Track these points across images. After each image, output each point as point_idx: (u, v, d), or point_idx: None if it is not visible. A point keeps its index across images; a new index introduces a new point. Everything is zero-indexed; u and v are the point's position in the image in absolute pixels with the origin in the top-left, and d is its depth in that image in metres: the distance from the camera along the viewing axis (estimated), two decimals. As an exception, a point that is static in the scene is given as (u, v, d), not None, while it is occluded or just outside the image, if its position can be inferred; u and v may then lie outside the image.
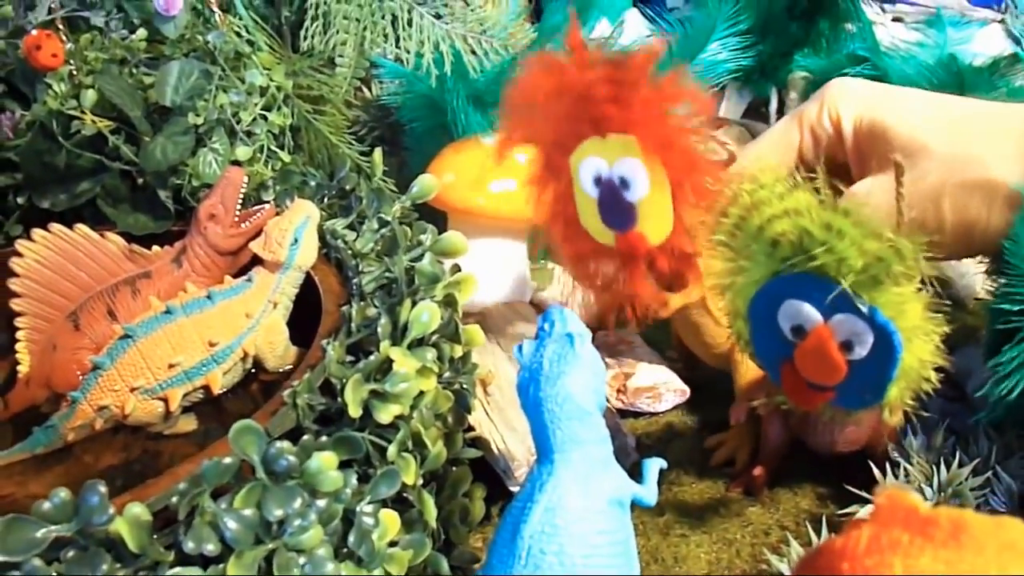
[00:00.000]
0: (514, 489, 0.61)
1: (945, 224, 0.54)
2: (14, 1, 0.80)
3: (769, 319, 0.49)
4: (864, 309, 0.45)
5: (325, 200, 0.72)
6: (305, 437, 0.45)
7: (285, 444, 0.43)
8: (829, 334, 0.46)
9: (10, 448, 0.64)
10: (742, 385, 0.67)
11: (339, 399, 0.50)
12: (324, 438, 0.47)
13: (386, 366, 0.50)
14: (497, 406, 0.64)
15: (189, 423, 0.65)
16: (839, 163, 0.61)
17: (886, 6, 1.00)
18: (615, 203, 0.53)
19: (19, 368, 0.70)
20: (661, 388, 0.73)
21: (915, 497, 0.32)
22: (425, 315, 0.51)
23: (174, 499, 0.42)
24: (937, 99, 0.59)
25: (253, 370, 0.67)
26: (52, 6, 0.77)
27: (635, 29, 1.06)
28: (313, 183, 0.74)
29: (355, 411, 0.47)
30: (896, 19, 1.02)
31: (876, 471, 0.60)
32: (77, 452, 0.65)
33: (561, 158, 0.54)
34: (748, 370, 0.66)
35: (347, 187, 0.71)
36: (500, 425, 0.63)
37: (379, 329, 0.51)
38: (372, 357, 0.49)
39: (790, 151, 0.61)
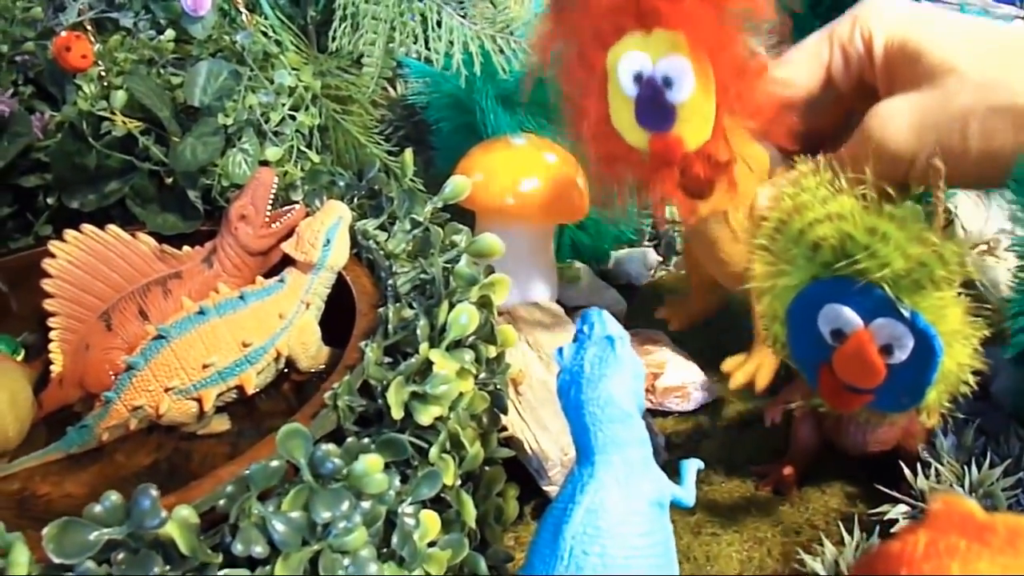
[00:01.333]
0: (547, 488, 0.61)
1: (969, 150, 0.52)
2: (44, 3, 0.81)
3: (808, 323, 0.49)
4: (906, 313, 0.45)
5: (355, 200, 0.72)
6: (349, 439, 0.45)
7: (331, 447, 0.43)
8: (869, 338, 0.46)
9: (45, 448, 0.65)
10: (760, 307, 0.65)
11: (378, 400, 0.51)
12: (366, 440, 0.47)
13: (425, 368, 0.50)
14: (529, 405, 0.64)
15: (222, 423, 0.66)
16: (868, 85, 0.59)
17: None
18: (655, 103, 0.51)
19: (52, 368, 0.71)
20: (689, 387, 0.73)
21: (971, 503, 0.32)
22: (464, 317, 0.52)
23: (221, 502, 0.42)
24: (973, 22, 0.57)
25: (285, 370, 0.68)
26: (81, 8, 0.77)
27: None
28: (342, 183, 0.75)
29: (398, 413, 0.47)
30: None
31: (907, 471, 0.60)
32: (111, 452, 0.66)
33: (597, 52, 0.52)
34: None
35: (376, 187, 0.72)
36: (532, 424, 0.63)
37: (418, 331, 0.51)
38: (413, 360, 0.49)
39: (819, 68, 0.60)
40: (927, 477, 0.60)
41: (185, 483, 0.59)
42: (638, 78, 0.51)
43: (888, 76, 0.57)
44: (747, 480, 0.67)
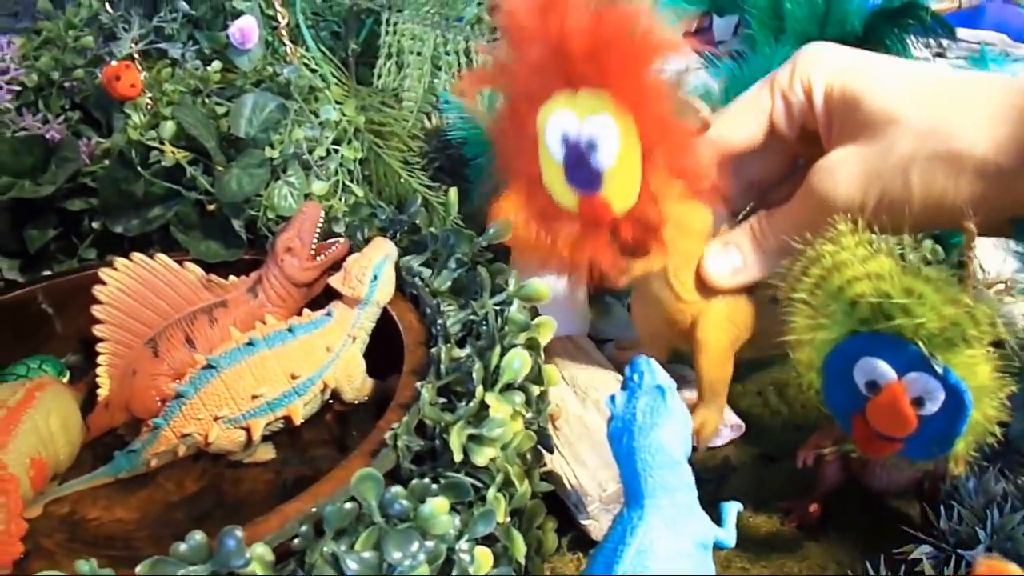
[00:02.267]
0: (584, 522, 0.63)
1: (913, 198, 0.53)
2: (95, 32, 0.83)
3: (844, 373, 0.52)
4: (938, 369, 0.47)
5: (397, 235, 0.74)
6: (414, 481, 0.47)
7: (399, 489, 0.46)
8: (902, 390, 0.49)
9: (93, 472, 0.67)
10: (702, 363, 0.66)
11: (432, 440, 0.53)
12: (426, 479, 0.49)
13: (480, 410, 0.52)
14: (566, 440, 0.66)
15: (267, 452, 0.67)
16: (811, 131, 0.60)
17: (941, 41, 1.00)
18: (582, 165, 0.52)
19: (98, 392, 0.73)
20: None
21: (1013, 568, 0.34)
22: (517, 362, 0.54)
23: (296, 540, 0.44)
24: (911, 68, 0.57)
25: (330, 400, 0.69)
26: (133, 39, 0.79)
27: (684, 59, 1.08)
28: (383, 216, 0.76)
29: (459, 455, 0.49)
30: (938, 54, 1.03)
31: (930, 512, 0.62)
32: (158, 477, 0.67)
33: (528, 110, 0.52)
34: (712, 351, 0.65)
35: (417, 222, 0.74)
36: (571, 460, 0.65)
37: (473, 374, 0.53)
38: (470, 403, 0.52)
39: (761, 117, 0.60)
40: (950, 519, 0.62)
41: (233, 511, 0.62)
42: (565, 140, 0.51)
43: (829, 124, 0.58)
44: (774, 516, 0.69)
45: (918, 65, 0.59)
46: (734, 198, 0.66)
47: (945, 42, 0.99)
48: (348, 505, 0.44)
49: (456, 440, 0.49)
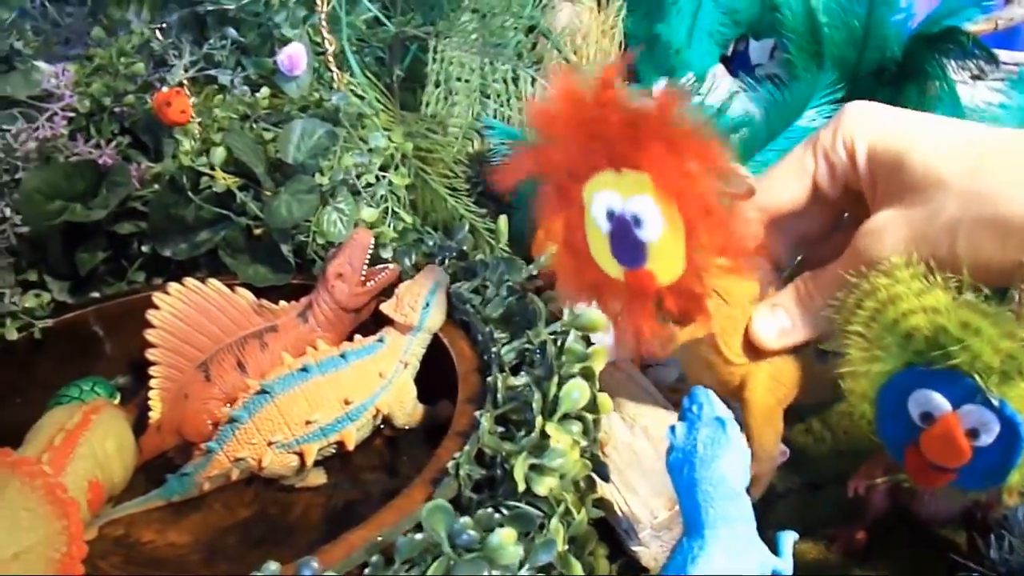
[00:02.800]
0: (635, 549, 0.64)
1: (959, 261, 0.51)
2: (145, 59, 0.84)
3: (898, 404, 0.52)
4: (994, 402, 0.47)
5: (445, 261, 0.75)
6: (479, 511, 0.48)
7: (467, 520, 0.46)
8: (957, 422, 0.49)
9: (146, 495, 0.67)
10: (751, 424, 0.66)
11: (490, 469, 0.54)
12: (490, 509, 0.50)
13: (541, 439, 0.53)
14: (616, 468, 0.67)
15: (319, 476, 0.68)
16: (855, 190, 0.60)
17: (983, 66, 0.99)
18: (627, 239, 0.52)
19: (150, 415, 0.73)
20: (764, 451, 0.76)
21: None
22: (576, 393, 0.54)
23: (367, 570, 0.45)
24: (958, 128, 0.56)
25: (381, 426, 0.70)
26: (185, 66, 0.80)
27: (723, 84, 1.08)
28: (430, 242, 0.77)
29: (522, 485, 0.50)
30: (976, 77, 1.02)
31: (979, 541, 0.62)
32: (210, 501, 0.68)
33: (574, 186, 0.53)
34: (761, 411, 0.65)
35: (465, 248, 0.74)
36: (622, 487, 0.65)
37: (533, 404, 0.53)
38: (531, 434, 0.52)
39: (805, 178, 0.60)
40: (1000, 548, 0.62)
41: (286, 536, 0.62)
42: (610, 215, 0.52)
43: (873, 185, 0.58)
44: (819, 543, 0.69)
45: (963, 124, 0.57)
46: (780, 255, 0.67)
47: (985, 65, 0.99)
48: (419, 536, 0.45)
49: (520, 471, 0.49)
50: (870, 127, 0.58)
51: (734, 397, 0.66)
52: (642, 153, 0.49)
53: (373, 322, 0.74)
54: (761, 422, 0.65)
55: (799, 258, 0.69)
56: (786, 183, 0.62)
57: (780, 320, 0.62)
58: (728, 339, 0.63)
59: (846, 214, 0.66)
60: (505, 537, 0.46)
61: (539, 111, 0.52)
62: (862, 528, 0.68)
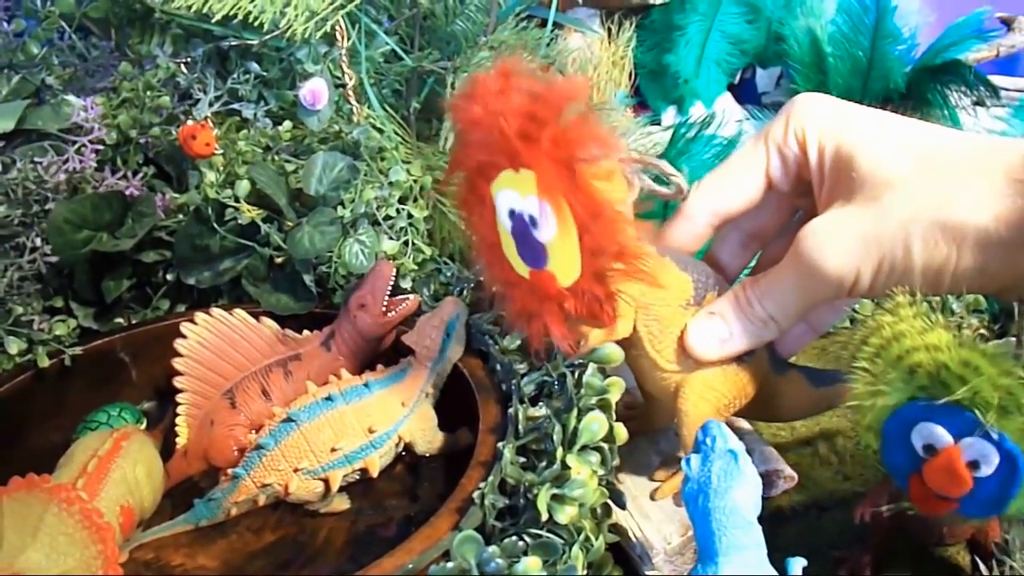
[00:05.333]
0: (649, 574, 0.66)
1: (914, 267, 0.52)
2: (171, 92, 0.86)
3: (902, 436, 0.54)
4: (993, 435, 0.50)
5: (463, 292, 0.77)
6: (506, 540, 0.50)
7: (495, 548, 0.48)
8: (958, 454, 0.52)
9: (173, 519, 0.69)
10: (685, 434, 0.64)
11: (512, 498, 0.56)
12: (513, 536, 0.52)
13: (562, 470, 0.55)
14: (630, 494, 0.69)
15: (343, 502, 0.70)
16: (807, 182, 0.59)
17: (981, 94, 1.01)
18: (527, 239, 0.53)
19: (177, 440, 0.76)
20: (772, 475, 0.77)
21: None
22: (595, 425, 0.57)
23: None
24: (910, 125, 0.55)
25: (403, 452, 0.72)
26: (211, 101, 0.83)
27: (731, 113, 1.11)
28: (448, 272, 0.80)
29: (544, 515, 0.52)
30: (977, 103, 1.04)
31: (981, 565, 0.65)
32: (236, 526, 0.70)
33: (483, 183, 0.54)
34: (693, 422, 0.63)
35: (482, 279, 0.77)
36: (635, 513, 0.67)
37: (554, 436, 0.56)
38: (553, 465, 0.54)
39: (758, 172, 0.59)
40: (1002, 574, 0.64)
41: (311, 560, 0.65)
42: (511, 213, 0.53)
43: (823, 178, 0.57)
44: (826, 564, 0.71)
45: (915, 123, 0.55)
46: (732, 253, 0.67)
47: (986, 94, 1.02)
48: (450, 564, 0.47)
49: (543, 501, 0.52)
50: (821, 119, 0.56)
51: (668, 403, 0.65)
52: (530, 150, 0.49)
53: (392, 351, 0.76)
54: (693, 433, 0.62)
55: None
56: (738, 180, 0.61)
57: (718, 329, 0.61)
58: (657, 344, 0.62)
59: (799, 213, 0.65)
60: (531, 565, 0.48)
61: (456, 106, 0.52)
62: (867, 551, 0.70)
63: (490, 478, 0.55)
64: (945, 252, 0.51)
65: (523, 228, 0.53)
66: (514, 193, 0.52)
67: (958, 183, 0.51)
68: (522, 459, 0.58)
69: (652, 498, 0.67)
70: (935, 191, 0.51)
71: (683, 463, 0.54)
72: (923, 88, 1.00)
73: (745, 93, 1.27)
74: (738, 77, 1.29)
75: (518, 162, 0.50)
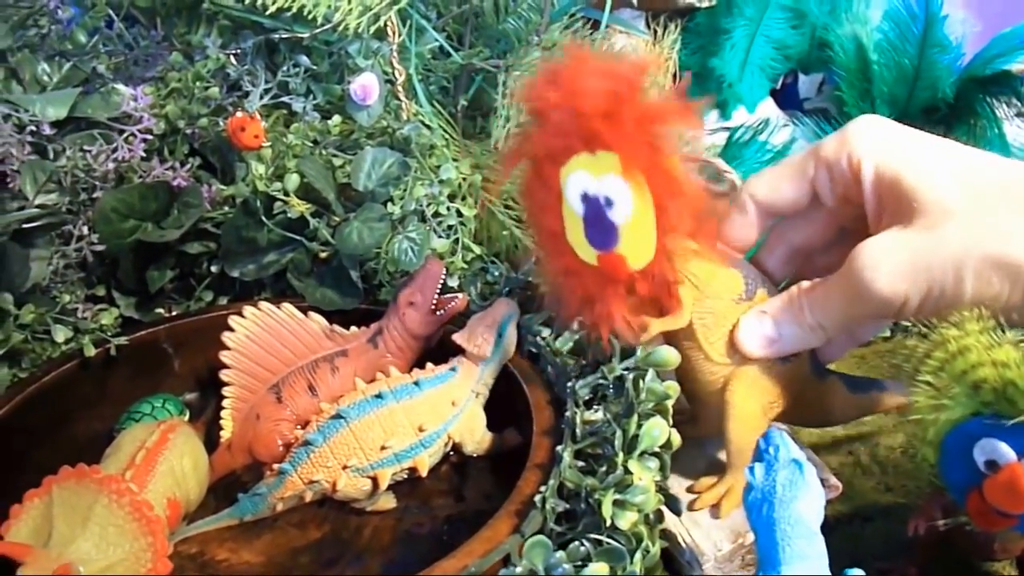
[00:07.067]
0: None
1: (963, 297, 0.52)
2: (220, 83, 0.86)
3: (964, 451, 0.54)
4: None
5: (511, 292, 0.77)
6: (571, 546, 0.50)
7: (562, 554, 0.48)
8: (1022, 471, 0.51)
9: (218, 513, 0.69)
10: (731, 428, 0.65)
11: (569, 500, 0.56)
12: (576, 542, 0.52)
13: (624, 475, 0.55)
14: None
15: (389, 501, 0.70)
16: (857, 205, 0.59)
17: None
18: (599, 222, 0.53)
19: (222, 434, 0.76)
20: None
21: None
22: (656, 431, 0.56)
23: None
24: (971, 156, 0.55)
25: (451, 452, 0.72)
26: (261, 93, 0.82)
27: (773, 119, 1.10)
28: (496, 272, 0.79)
29: (608, 521, 0.52)
30: (1020, 114, 1.04)
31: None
32: (281, 522, 0.70)
33: (551, 169, 0.54)
34: (742, 416, 0.64)
35: (531, 279, 0.77)
36: (685, 519, 0.67)
37: (616, 442, 0.55)
38: (616, 471, 0.54)
39: (803, 183, 0.60)
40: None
41: (358, 558, 0.65)
42: (584, 197, 0.53)
43: (878, 206, 0.57)
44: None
45: (981, 155, 0.55)
46: (778, 263, 0.68)
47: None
48: (518, 569, 0.47)
49: (607, 506, 0.51)
50: (880, 147, 0.56)
51: (717, 400, 0.66)
52: (612, 130, 0.49)
53: (439, 349, 0.76)
54: (741, 428, 0.65)
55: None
56: (783, 184, 0.61)
57: (767, 328, 0.62)
58: (710, 336, 0.63)
59: (847, 230, 0.64)
60: (599, 571, 0.48)
61: (528, 92, 0.52)
62: (912, 562, 0.70)
63: (551, 482, 0.55)
64: (997, 288, 0.52)
65: (596, 210, 0.53)
66: (587, 175, 0.52)
67: (1017, 220, 0.51)
68: (579, 463, 0.58)
69: (691, 509, 0.67)
70: (993, 226, 0.51)
71: (747, 471, 0.54)
72: (970, 98, 0.99)
73: (787, 98, 1.26)
74: (780, 82, 1.28)
75: (596, 143, 0.50)
